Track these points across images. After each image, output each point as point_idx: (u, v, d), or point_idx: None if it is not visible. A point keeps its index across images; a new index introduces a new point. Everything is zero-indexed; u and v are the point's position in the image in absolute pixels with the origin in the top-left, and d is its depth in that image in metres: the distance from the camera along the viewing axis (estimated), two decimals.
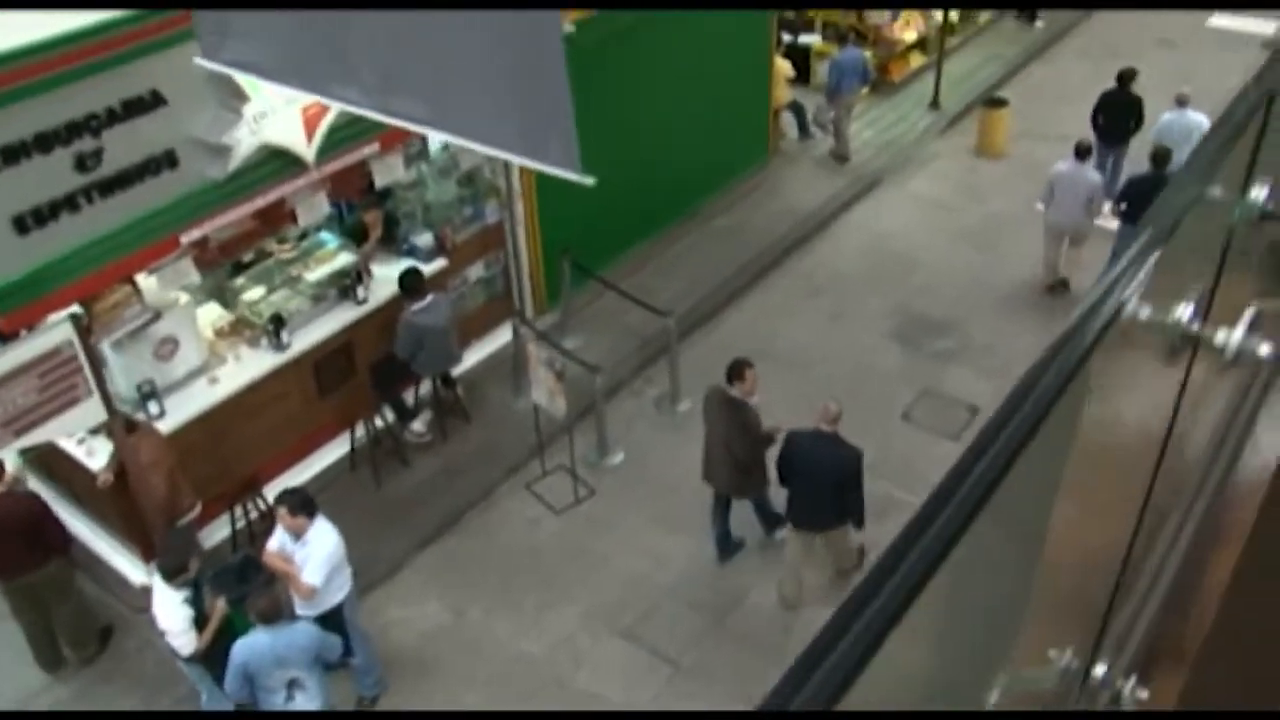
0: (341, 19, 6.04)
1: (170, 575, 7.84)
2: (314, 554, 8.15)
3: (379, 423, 10.87)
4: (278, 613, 7.52)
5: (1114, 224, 12.67)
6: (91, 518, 10.11)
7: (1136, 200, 11.97)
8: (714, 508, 9.91)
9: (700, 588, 9.92)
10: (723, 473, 9.50)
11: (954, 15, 18.89)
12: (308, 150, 9.11)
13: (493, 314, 12.16)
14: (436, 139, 10.93)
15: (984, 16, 20.43)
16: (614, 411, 11.66)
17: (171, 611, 7.88)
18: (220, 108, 8.51)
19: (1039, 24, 20.50)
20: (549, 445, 10.91)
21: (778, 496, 9.55)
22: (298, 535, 8.19)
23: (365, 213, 11.13)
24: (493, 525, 10.60)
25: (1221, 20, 20.54)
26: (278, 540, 8.34)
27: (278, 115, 8.79)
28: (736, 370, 9.14)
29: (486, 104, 5.76)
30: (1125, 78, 14.13)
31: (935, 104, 17.54)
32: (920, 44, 18.59)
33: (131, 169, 8.21)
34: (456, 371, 11.50)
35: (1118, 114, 14.08)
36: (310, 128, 9.07)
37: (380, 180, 10.39)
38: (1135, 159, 13.98)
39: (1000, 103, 16.47)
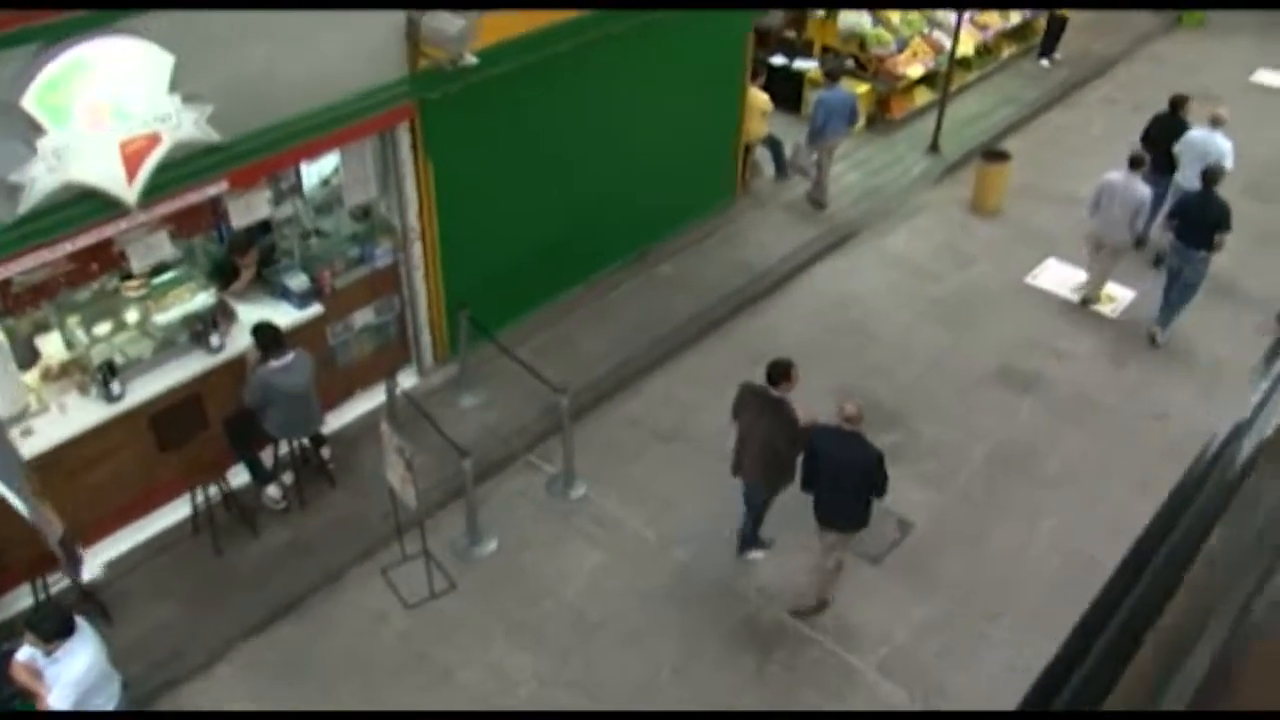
0: None
1: None
2: (64, 675, 7.02)
3: (230, 483, 9.71)
4: None
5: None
6: None
7: (1187, 218, 12.07)
8: (746, 505, 9.67)
9: None
10: (757, 467, 9.17)
11: (969, 49, 17.42)
12: (128, 191, 7.88)
13: (382, 364, 10.94)
14: (311, 173, 9.77)
15: (1004, 53, 18.90)
16: (500, 488, 10.49)
17: None
18: (8, 140, 7.29)
19: (1044, 64, 18.94)
20: (412, 527, 9.69)
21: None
22: (49, 651, 7.05)
23: (238, 249, 9.92)
24: (335, 615, 9.40)
25: (1266, 76, 18.99)
26: (28, 650, 7.20)
27: (87, 151, 7.56)
28: (782, 371, 8.86)
29: None
30: (1177, 104, 13.73)
31: (934, 148, 16.11)
32: (929, 79, 17.12)
33: None
34: (329, 429, 10.33)
35: (1166, 139, 13.51)
36: (132, 165, 7.84)
37: (238, 220, 9.17)
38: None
39: (1001, 156, 15.00)
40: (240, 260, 9.98)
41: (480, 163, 10.63)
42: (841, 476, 8.62)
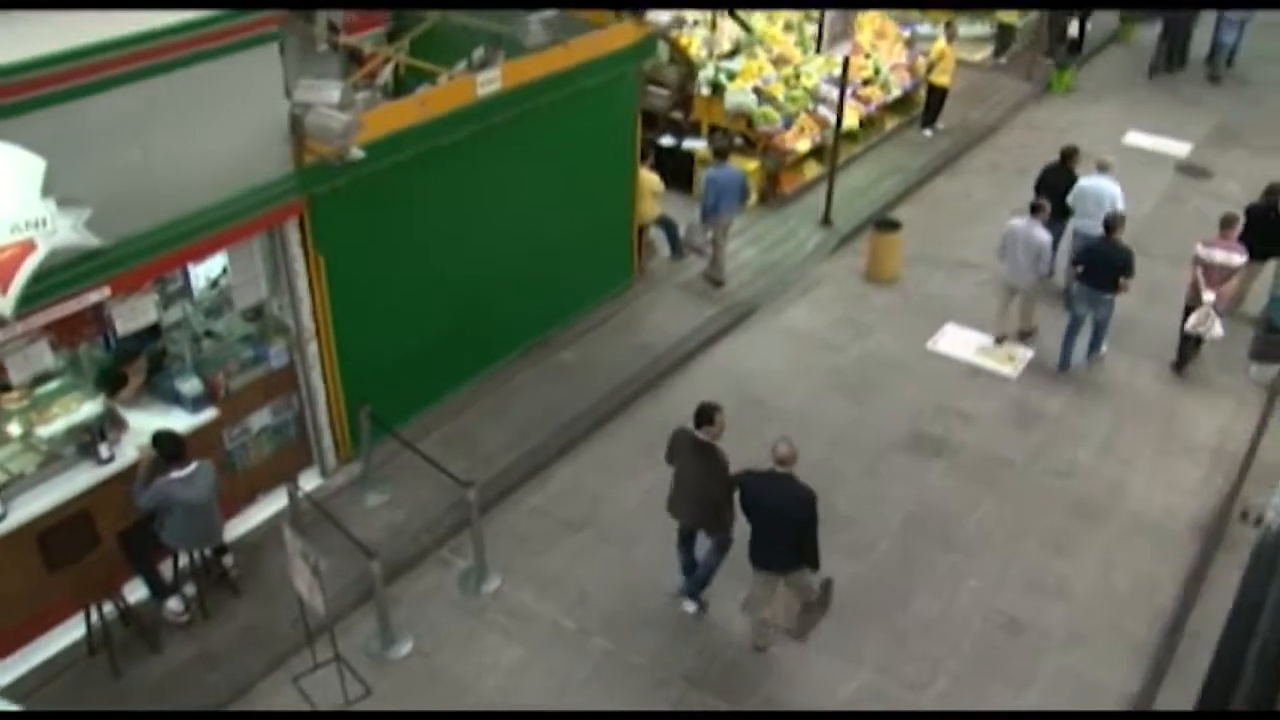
0: None
1: None
2: None
3: (127, 599, 9.26)
4: None
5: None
6: None
7: (1091, 264, 12.81)
8: (679, 544, 9.87)
9: None
10: (691, 509, 9.49)
11: (854, 123, 17.72)
12: (3, 301, 7.52)
13: (283, 465, 10.61)
14: (199, 275, 9.50)
15: (888, 125, 19.29)
16: (412, 586, 10.16)
17: None
18: None
19: (927, 133, 19.38)
20: (323, 632, 9.31)
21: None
22: None
23: (121, 357, 9.57)
24: None
25: (1137, 138, 19.60)
26: None
27: None
28: (706, 416, 9.11)
29: None
30: (1067, 155, 14.69)
31: (827, 220, 16.28)
32: (816, 153, 17.35)
33: None
34: (231, 535, 9.95)
35: (1057, 188, 14.34)
36: (5, 274, 7.49)
37: (123, 326, 8.86)
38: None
39: (892, 225, 15.20)
40: (128, 367, 9.62)
41: (373, 256, 10.46)
42: (775, 519, 8.81)
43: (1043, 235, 12.94)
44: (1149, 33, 23.79)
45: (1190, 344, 13.24)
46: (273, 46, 8.76)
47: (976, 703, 9.20)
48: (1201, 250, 12.87)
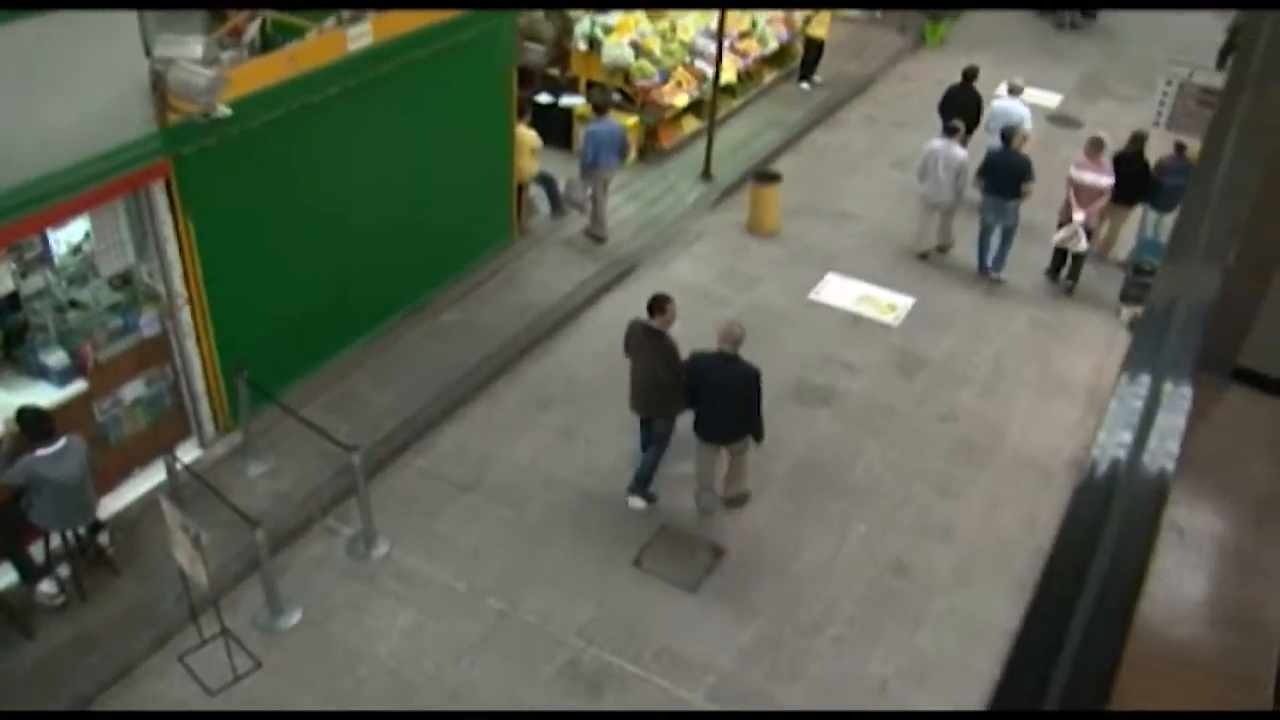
0: None
1: None
2: None
3: None
4: None
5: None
6: None
7: (994, 174, 13.96)
8: (640, 428, 10.67)
9: None
10: (644, 396, 10.17)
11: (732, 76, 17.70)
12: None
13: (160, 437, 10.25)
14: (60, 241, 9.09)
15: (766, 78, 19.31)
16: (299, 555, 9.93)
17: None
18: None
19: (804, 87, 19.46)
20: (208, 607, 9.05)
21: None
22: None
23: None
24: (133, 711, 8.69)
25: (1003, 90, 19.84)
26: None
27: None
28: (658, 304, 9.89)
29: None
30: (969, 75, 16.01)
31: (707, 174, 16.26)
32: (695, 107, 17.30)
33: None
34: (107, 512, 9.60)
35: (960, 107, 15.47)
36: None
37: None
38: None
39: (772, 177, 15.23)
40: None
41: (246, 218, 10.13)
42: (724, 392, 9.70)
43: (961, 153, 13.99)
44: None
45: (1061, 256, 14.31)
46: None
47: (870, 644, 9.32)
48: (1073, 171, 13.87)
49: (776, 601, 9.67)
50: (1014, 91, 15.70)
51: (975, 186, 14.20)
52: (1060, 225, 14.02)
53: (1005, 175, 13.75)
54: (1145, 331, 3.06)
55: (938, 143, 14.20)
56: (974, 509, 10.77)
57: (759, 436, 10.02)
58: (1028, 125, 14.86)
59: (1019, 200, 13.82)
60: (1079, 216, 13.72)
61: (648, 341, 9.92)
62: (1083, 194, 13.73)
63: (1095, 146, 13.82)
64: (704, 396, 9.80)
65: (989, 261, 14.45)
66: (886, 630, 9.47)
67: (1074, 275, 14.28)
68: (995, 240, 14.33)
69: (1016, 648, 2.04)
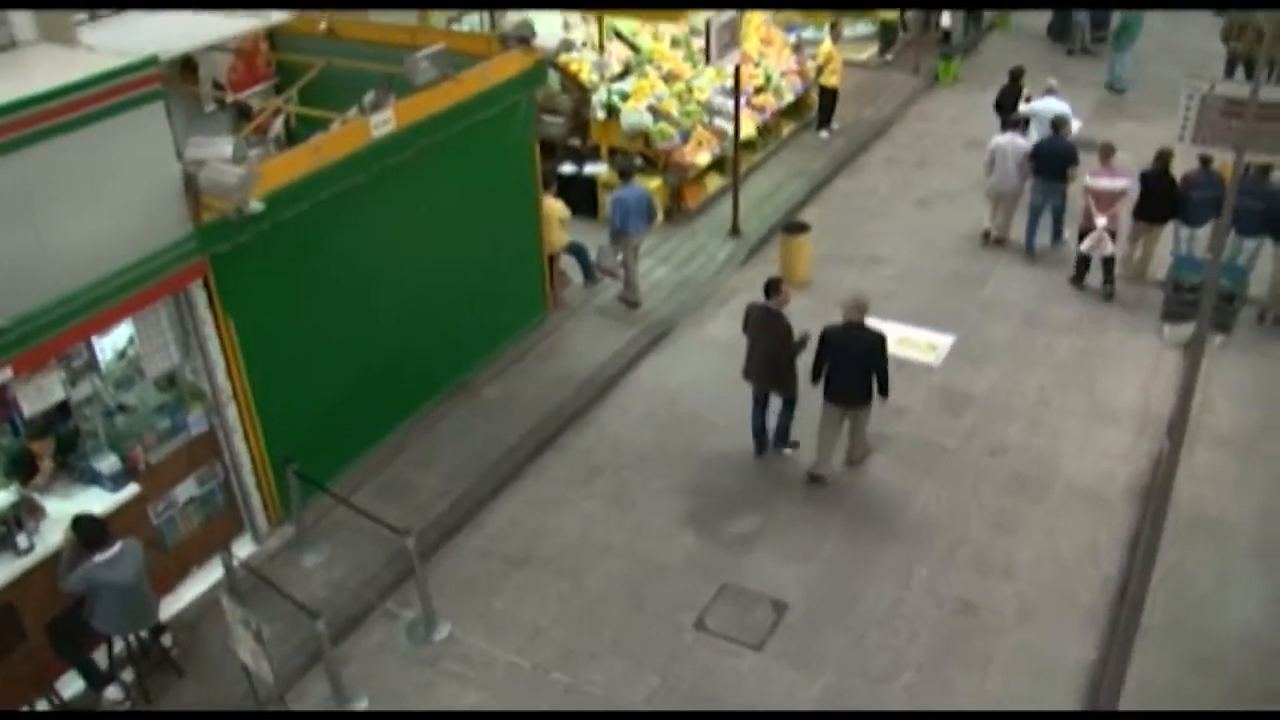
0: None
1: None
2: None
3: (61, 694, 8.90)
4: None
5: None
6: None
7: (1043, 159, 15.26)
8: (754, 409, 11.70)
9: None
10: (761, 370, 11.40)
11: (751, 131, 17.81)
12: None
13: (215, 535, 10.30)
14: (105, 347, 9.19)
15: (785, 130, 19.41)
16: (361, 643, 9.89)
17: None
18: None
19: (823, 135, 19.55)
20: (274, 701, 9.02)
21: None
22: None
23: (30, 440, 9.20)
24: None
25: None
26: None
27: None
28: (774, 286, 11.17)
29: None
30: (1016, 74, 17.96)
31: (735, 231, 16.31)
32: (717, 165, 17.39)
33: None
34: (167, 614, 9.62)
35: (1013, 101, 17.66)
36: None
37: (30, 408, 8.59)
38: None
39: (801, 228, 15.24)
40: (37, 450, 9.24)
41: (284, 310, 10.22)
42: (852, 358, 10.82)
43: (1024, 143, 15.48)
44: (1024, 20, 24.84)
45: (1085, 263, 14.80)
46: (158, 105, 8.54)
47: (942, 690, 9.17)
48: (1089, 180, 14.44)
49: (843, 652, 9.54)
50: (1050, 91, 17.03)
51: (1027, 171, 15.42)
52: (1082, 235, 14.48)
53: (1054, 160, 14.98)
54: None
55: (1002, 138, 15.56)
56: (1033, 543, 10.62)
57: (886, 392, 10.99)
58: (1073, 121, 16.32)
59: (1066, 184, 15.11)
60: (1101, 221, 14.16)
61: (766, 320, 11.10)
62: (1101, 200, 14.21)
63: (1105, 153, 14.39)
64: (835, 363, 10.89)
65: (1044, 240, 15.75)
66: (957, 674, 9.31)
67: (1109, 279, 14.58)
68: (1046, 221, 15.61)
69: None
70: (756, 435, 11.78)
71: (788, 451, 11.84)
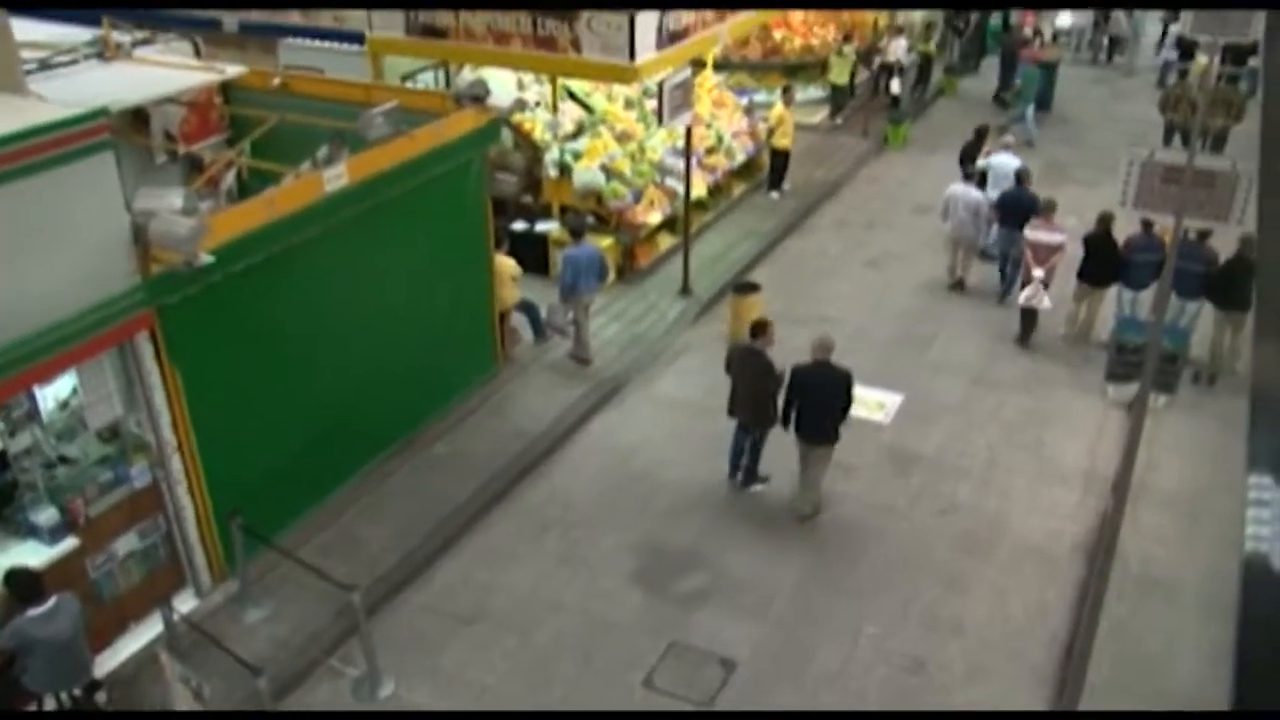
0: None
1: None
2: None
3: None
4: None
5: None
6: None
7: (1007, 208, 16.17)
8: (736, 432, 12.11)
9: None
10: (746, 404, 11.77)
11: (702, 191, 17.96)
12: None
13: (156, 589, 10.09)
14: (46, 397, 9.06)
15: (736, 191, 19.61)
16: (303, 700, 9.71)
17: None
18: None
19: (774, 196, 19.78)
20: None
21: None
22: None
23: None
24: None
25: (960, 188, 20.20)
26: None
27: None
28: (760, 328, 11.69)
29: None
30: (981, 132, 18.77)
31: (686, 290, 16.39)
32: (669, 225, 17.50)
33: None
34: (103, 670, 9.41)
35: (975, 158, 18.23)
36: None
37: None
38: None
39: (751, 287, 15.32)
40: None
41: (232, 363, 10.13)
42: (817, 397, 11.23)
43: (977, 194, 16.41)
44: (971, 85, 25.42)
45: (1029, 318, 15.17)
46: (107, 156, 8.47)
47: None
48: (1029, 232, 14.96)
49: (792, 710, 9.49)
50: (1005, 147, 17.91)
51: (992, 219, 16.35)
52: (1022, 287, 14.98)
53: (1015, 209, 15.74)
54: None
55: (957, 187, 16.50)
56: (983, 601, 10.66)
57: (837, 434, 11.43)
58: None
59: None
60: (1038, 273, 14.66)
61: (750, 360, 11.55)
62: (1039, 252, 14.70)
63: (1048, 209, 14.97)
64: (805, 400, 11.25)
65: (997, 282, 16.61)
66: None
67: (1027, 332, 15.27)
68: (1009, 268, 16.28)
69: None
70: (734, 459, 12.19)
71: (757, 488, 12.15)
